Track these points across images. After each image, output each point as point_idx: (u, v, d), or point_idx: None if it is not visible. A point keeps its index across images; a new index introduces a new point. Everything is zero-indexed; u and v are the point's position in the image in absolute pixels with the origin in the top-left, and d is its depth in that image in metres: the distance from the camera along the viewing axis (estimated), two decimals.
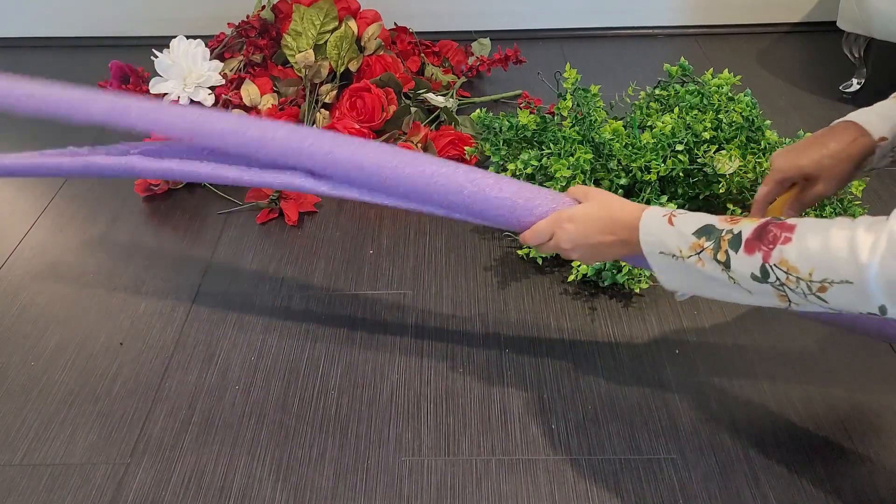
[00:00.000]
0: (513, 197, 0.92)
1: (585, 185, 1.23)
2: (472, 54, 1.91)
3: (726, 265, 0.74)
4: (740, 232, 0.74)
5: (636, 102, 1.46)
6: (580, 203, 0.90)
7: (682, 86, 1.42)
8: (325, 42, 1.74)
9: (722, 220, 0.77)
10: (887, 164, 0.95)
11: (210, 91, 1.71)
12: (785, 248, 0.70)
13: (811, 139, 0.93)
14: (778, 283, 0.71)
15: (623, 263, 1.21)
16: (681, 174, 1.27)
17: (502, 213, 0.92)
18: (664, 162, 1.25)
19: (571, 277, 1.24)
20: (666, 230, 0.80)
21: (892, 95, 0.94)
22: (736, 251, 0.73)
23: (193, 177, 1.07)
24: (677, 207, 1.25)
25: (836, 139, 0.90)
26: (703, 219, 0.78)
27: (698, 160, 1.28)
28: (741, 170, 1.28)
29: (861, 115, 0.92)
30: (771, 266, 0.71)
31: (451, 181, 0.92)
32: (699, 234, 0.77)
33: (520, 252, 1.32)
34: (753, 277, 0.73)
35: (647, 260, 0.82)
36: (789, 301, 0.73)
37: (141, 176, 1.26)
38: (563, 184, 1.22)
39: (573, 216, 0.89)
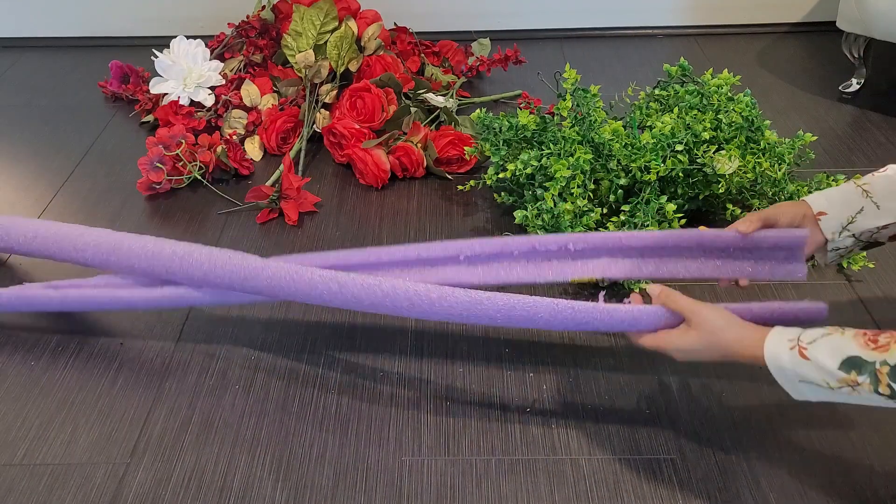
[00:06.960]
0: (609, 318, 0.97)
1: (586, 185, 1.23)
2: (472, 54, 1.91)
3: (892, 396, 0.74)
4: None
5: (636, 102, 1.46)
6: (685, 325, 0.91)
7: (681, 86, 1.42)
8: (325, 42, 1.74)
9: (862, 346, 0.75)
10: (835, 259, 1.00)
11: (210, 91, 1.72)
12: None
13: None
14: None
15: None
16: (680, 174, 1.27)
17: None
18: (664, 162, 1.25)
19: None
20: (802, 365, 0.79)
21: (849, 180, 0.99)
22: None
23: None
24: (677, 208, 1.26)
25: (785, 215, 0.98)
26: (843, 347, 0.76)
27: (698, 160, 1.28)
28: (741, 170, 1.28)
29: (812, 196, 0.99)
30: None
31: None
32: (847, 368, 0.75)
33: None
34: None
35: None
36: None
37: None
38: (563, 184, 1.22)
39: (680, 349, 0.90)
